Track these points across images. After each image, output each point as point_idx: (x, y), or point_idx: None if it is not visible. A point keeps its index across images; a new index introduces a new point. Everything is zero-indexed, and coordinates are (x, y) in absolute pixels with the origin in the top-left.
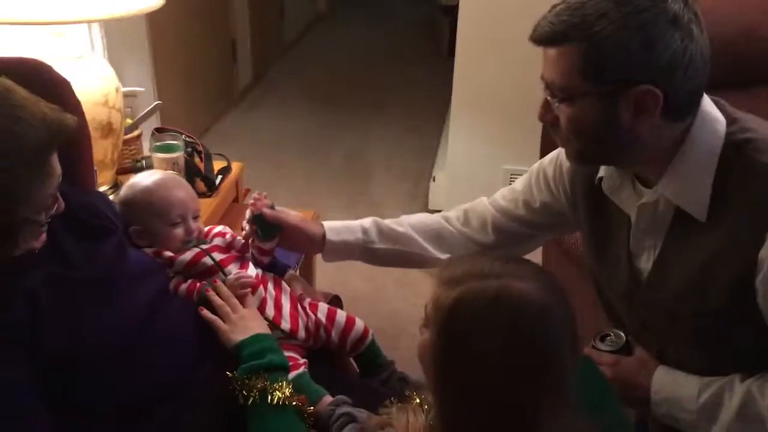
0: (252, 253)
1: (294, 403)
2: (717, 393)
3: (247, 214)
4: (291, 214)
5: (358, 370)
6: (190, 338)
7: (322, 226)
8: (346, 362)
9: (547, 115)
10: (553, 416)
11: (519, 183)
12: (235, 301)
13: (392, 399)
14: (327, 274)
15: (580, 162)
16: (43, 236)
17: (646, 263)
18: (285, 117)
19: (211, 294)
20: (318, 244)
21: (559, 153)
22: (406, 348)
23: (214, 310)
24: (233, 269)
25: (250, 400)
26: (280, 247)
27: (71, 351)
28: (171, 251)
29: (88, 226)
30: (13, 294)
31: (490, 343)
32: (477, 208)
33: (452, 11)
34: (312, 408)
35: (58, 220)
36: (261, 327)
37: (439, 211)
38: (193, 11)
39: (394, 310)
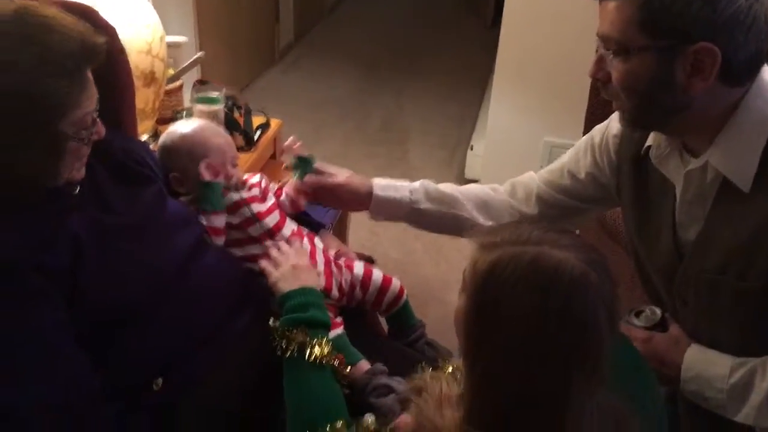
0: (284, 202)
1: (332, 363)
2: (748, 374)
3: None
4: (339, 170)
5: (387, 330)
6: (226, 288)
7: (370, 182)
8: (376, 323)
9: (599, 71)
10: (586, 390)
11: (566, 154)
12: (293, 252)
13: (423, 364)
14: (359, 238)
15: (631, 125)
16: (83, 169)
17: (691, 234)
18: (324, 79)
19: (269, 246)
20: (364, 200)
21: (608, 122)
22: (434, 314)
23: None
24: (271, 222)
25: (288, 353)
26: (327, 204)
27: (110, 296)
28: None
29: (129, 173)
30: (59, 236)
31: (523, 310)
32: (524, 179)
33: None
34: (349, 369)
35: (101, 164)
36: (312, 281)
37: (476, 180)
38: None
39: (423, 277)
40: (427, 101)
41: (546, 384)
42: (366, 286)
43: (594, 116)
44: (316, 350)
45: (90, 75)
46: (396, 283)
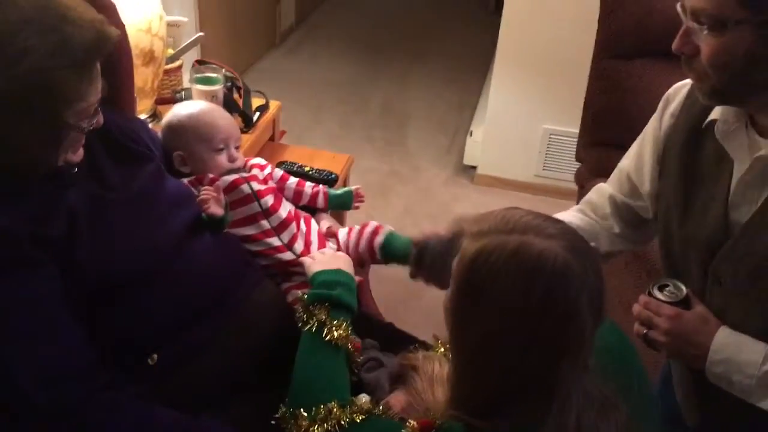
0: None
1: (347, 347)
2: None
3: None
4: None
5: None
6: (221, 267)
7: None
8: (370, 302)
9: (686, 45)
10: (571, 376)
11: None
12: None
13: (416, 345)
14: (357, 222)
15: (714, 99)
16: (81, 152)
17: (743, 215)
18: (325, 62)
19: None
20: None
21: (663, 106)
22: (432, 300)
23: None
24: (269, 201)
25: (306, 328)
26: None
27: (104, 268)
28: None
29: (127, 151)
30: (55, 210)
31: (506, 299)
32: (594, 196)
33: None
34: (361, 358)
35: (99, 143)
36: (348, 268)
37: (474, 167)
38: None
39: None
40: (427, 86)
41: (529, 370)
42: (347, 239)
43: (592, 104)
44: (334, 332)
45: (99, 67)
46: (371, 224)
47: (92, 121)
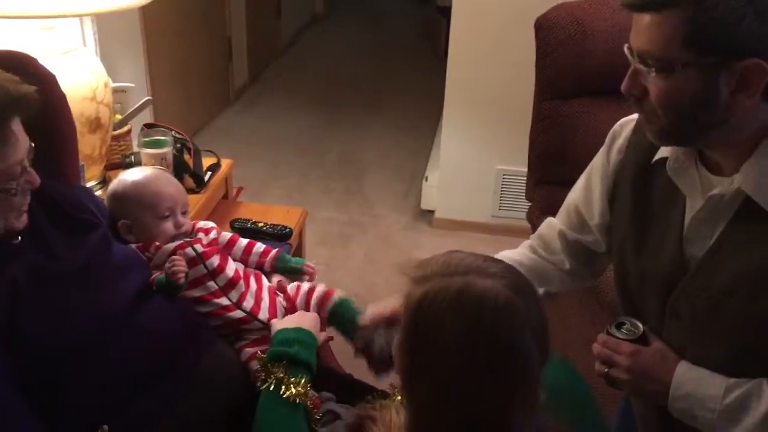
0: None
1: (306, 404)
2: (744, 396)
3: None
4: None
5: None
6: (174, 328)
7: None
8: (327, 353)
9: (634, 87)
10: (523, 413)
11: (571, 191)
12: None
13: (374, 394)
14: (317, 273)
15: (663, 140)
16: (24, 218)
17: (698, 251)
18: (280, 117)
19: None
20: None
21: (609, 141)
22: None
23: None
24: (215, 262)
25: (264, 386)
26: None
27: (51, 341)
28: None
29: (72, 219)
30: None
31: (453, 339)
32: (544, 230)
33: (450, 12)
34: (321, 416)
35: (43, 212)
36: (311, 326)
37: (431, 211)
38: (188, 7)
39: None
40: (383, 135)
41: (482, 410)
42: (295, 296)
43: (536, 144)
44: (292, 388)
45: (16, 126)
46: (320, 288)
47: (20, 181)
